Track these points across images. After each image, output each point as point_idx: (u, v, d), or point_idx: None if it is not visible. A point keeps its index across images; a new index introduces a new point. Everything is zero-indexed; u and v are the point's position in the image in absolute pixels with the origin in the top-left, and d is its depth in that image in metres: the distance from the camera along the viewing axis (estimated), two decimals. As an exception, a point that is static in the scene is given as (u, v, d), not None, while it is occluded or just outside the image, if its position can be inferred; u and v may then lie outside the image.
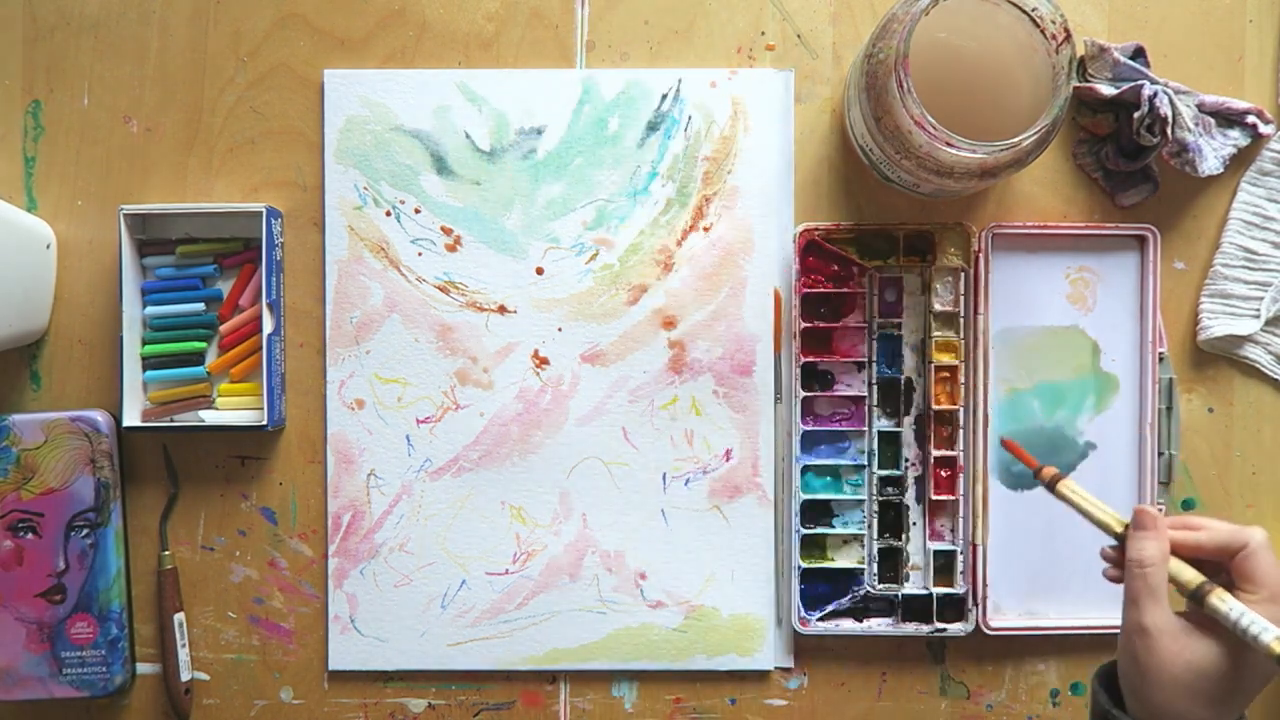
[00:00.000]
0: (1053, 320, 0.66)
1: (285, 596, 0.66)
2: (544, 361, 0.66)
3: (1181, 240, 0.66)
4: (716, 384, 0.65)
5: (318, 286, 0.66)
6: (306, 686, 0.66)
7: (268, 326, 0.64)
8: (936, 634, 0.65)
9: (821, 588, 0.65)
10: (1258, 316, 0.65)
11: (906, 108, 0.54)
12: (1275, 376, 0.66)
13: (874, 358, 0.65)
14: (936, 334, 0.64)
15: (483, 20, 0.66)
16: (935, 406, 0.65)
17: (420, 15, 0.66)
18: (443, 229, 0.65)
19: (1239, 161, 0.65)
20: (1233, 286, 0.65)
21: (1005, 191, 0.66)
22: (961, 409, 0.64)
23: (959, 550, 0.65)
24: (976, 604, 0.65)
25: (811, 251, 0.65)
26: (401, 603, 0.66)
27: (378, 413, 0.66)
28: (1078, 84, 0.63)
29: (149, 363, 0.65)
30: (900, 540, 0.65)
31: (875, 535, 0.65)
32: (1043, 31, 0.55)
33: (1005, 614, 0.66)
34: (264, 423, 0.63)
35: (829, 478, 0.66)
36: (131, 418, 0.63)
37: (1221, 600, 0.44)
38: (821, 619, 0.65)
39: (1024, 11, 0.55)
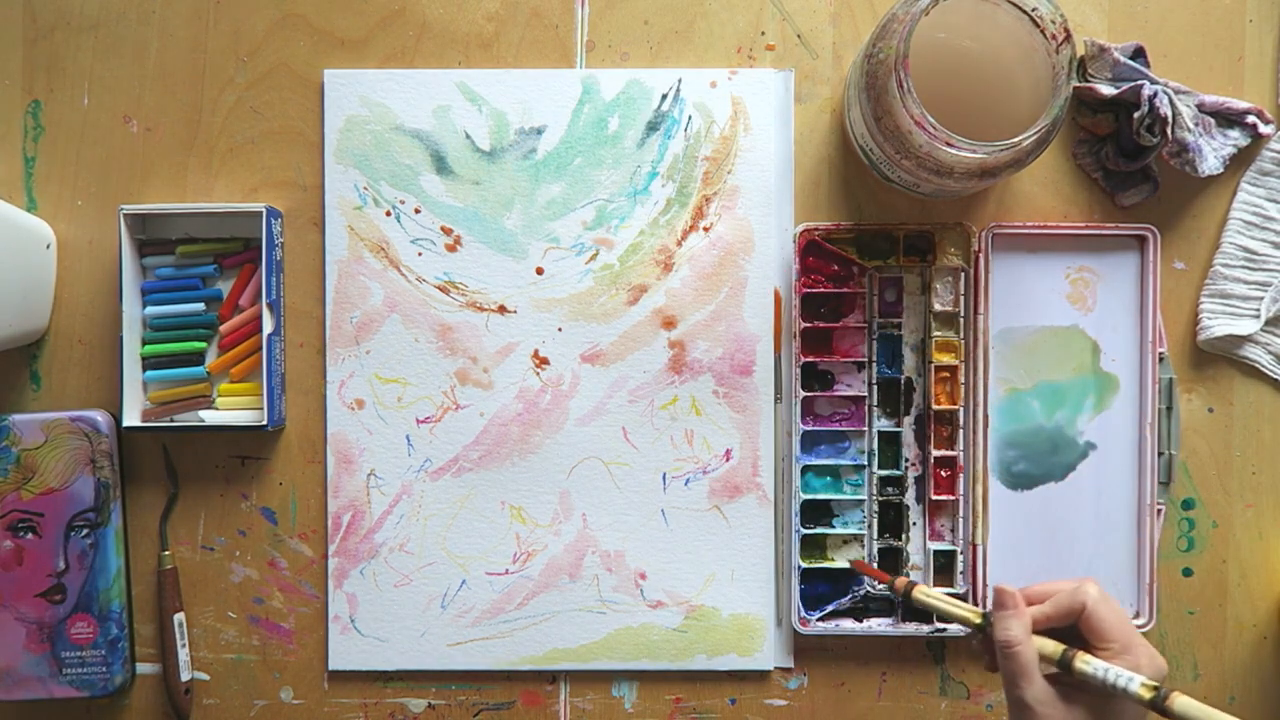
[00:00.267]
0: (1053, 320, 0.66)
1: (285, 596, 0.66)
2: (544, 361, 0.66)
3: (1181, 240, 0.66)
4: (716, 384, 0.65)
5: (318, 286, 0.66)
6: (306, 686, 0.66)
7: (268, 326, 0.64)
8: (936, 634, 0.65)
9: (821, 588, 0.65)
10: (1258, 316, 0.65)
11: (906, 108, 0.54)
12: (1275, 376, 0.66)
13: (874, 358, 0.65)
14: (936, 334, 0.64)
15: (483, 20, 0.66)
16: (935, 406, 0.65)
17: (420, 15, 0.66)
18: (443, 229, 0.65)
19: (1239, 161, 0.65)
20: (1233, 286, 0.65)
21: (1005, 191, 0.66)
22: (961, 409, 0.64)
23: (959, 550, 0.65)
24: (976, 604, 0.65)
25: (811, 251, 0.65)
26: (401, 603, 0.66)
27: (378, 413, 0.66)
28: (1078, 84, 0.63)
29: (149, 363, 0.65)
30: (900, 540, 0.65)
31: (875, 535, 0.65)
32: (1043, 31, 0.55)
33: (1005, 614, 0.66)
34: (264, 423, 0.63)
35: (829, 478, 0.66)
36: (131, 418, 0.63)
37: (1086, 663, 0.48)
38: (821, 619, 0.65)
39: (1024, 11, 0.55)
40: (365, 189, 0.65)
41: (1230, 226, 0.65)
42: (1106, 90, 0.63)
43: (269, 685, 0.66)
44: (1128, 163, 0.64)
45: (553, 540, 0.66)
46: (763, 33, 0.66)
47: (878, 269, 0.65)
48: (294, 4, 0.66)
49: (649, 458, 0.66)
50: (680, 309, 0.65)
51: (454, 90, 0.65)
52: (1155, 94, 0.61)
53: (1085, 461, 0.66)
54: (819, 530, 0.65)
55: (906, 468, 0.66)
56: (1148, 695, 0.45)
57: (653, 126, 0.65)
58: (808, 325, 0.64)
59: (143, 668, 0.66)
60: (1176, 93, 0.63)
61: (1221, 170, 0.63)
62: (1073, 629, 0.50)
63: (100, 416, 0.64)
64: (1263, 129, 0.64)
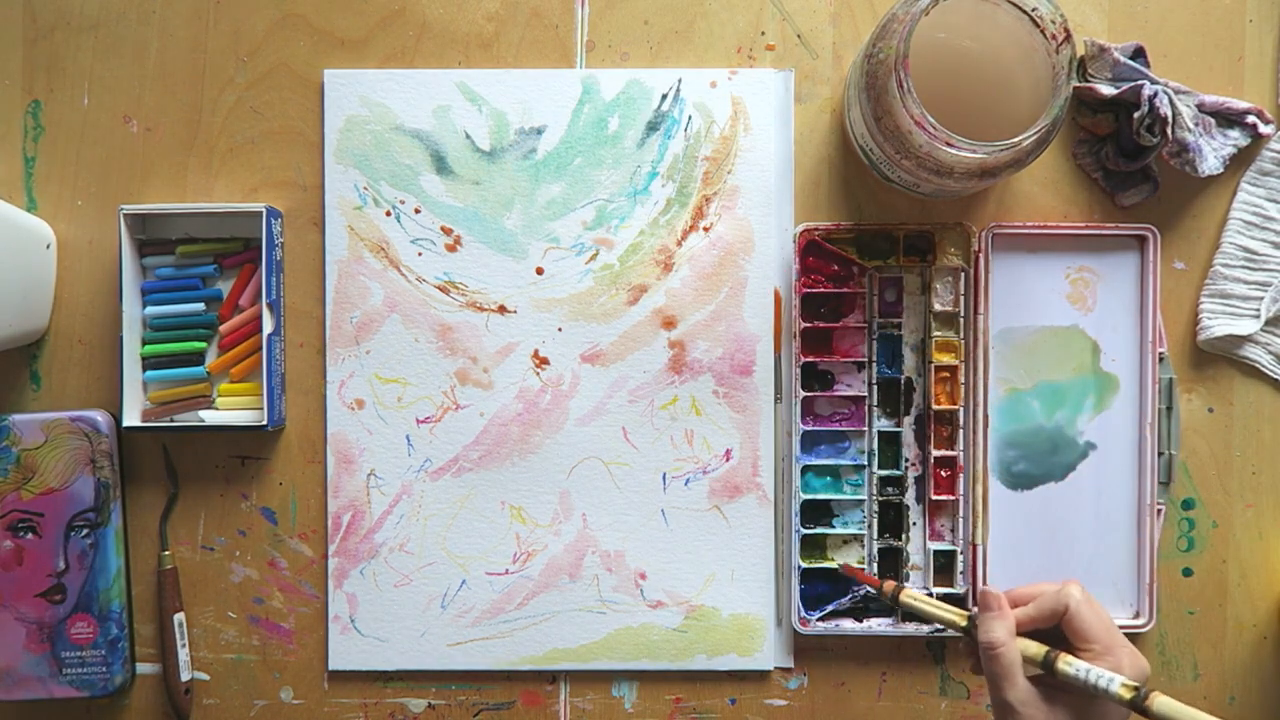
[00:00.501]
0: (1053, 320, 0.66)
1: (285, 596, 0.66)
2: (544, 361, 0.66)
3: (1181, 240, 0.66)
4: (716, 384, 0.65)
5: (318, 286, 0.66)
6: (306, 686, 0.66)
7: (268, 326, 0.64)
8: (936, 634, 0.65)
9: (821, 588, 0.65)
10: (1258, 316, 0.65)
11: (906, 108, 0.54)
12: (1275, 376, 0.66)
13: (874, 358, 0.65)
14: (936, 334, 0.64)
15: (483, 20, 0.66)
16: (935, 406, 0.65)
17: (420, 15, 0.66)
18: (443, 229, 0.65)
19: (1239, 161, 0.65)
20: (1233, 286, 0.65)
21: (1005, 191, 0.66)
22: (961, 409, 0.64)
23: (959, 550, 0.65)
24: (976, 604, 0.64)
25: (811, 251, 0.65)
26: (401, 603, 0.66)
27: (378, 413, 0.66)
28: (1078, 84, 0.63)
29: (149, 363, 0.65)
30: (900, 540, 0.65)
31: (875, 535, 0.65)
32: (1043, 31, 0.55)
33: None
34: (264, 423, 0.63)
35: (829, 478, 0.66)
36: (131, 418, 0.63)
37: (1068, 664, 0.48)
38: (821, 619, 0.65)
39: (1024, 11, 0.55)
40: (365, 189, 0.65)
41: (1230, 226, 0.65)
42: (1106, 90, 0.63)
43: (269, 685, 0.66)
44: (1128, 163, 0.64)
45: (553, 540, 0.66)
46: (763, 33, 0.66)
47: (878, 269, 0.65)
48: (294, 4, 0.66)
49: (649, 458, 0.66)
50: (680, 309, 0.65)
51: (454, 90, 0.65)
52: (1155, 94, 0.61)
53: (1085, 461, 0.66)
54: (819, 530, 0.65)
55: (906, 468, 0.66)
56: (1128, 695, 0.46)
57: (653, 126, 0.65)
58: (808, 325, 0.64)
59: (143, 668, 0.66)
60: (1176, 93, 0.63)
61: (1221, 170, 0.63)
62: (1057, 631, 0.50)
63: (100, 416, 0.64)
64: (1263, 129, 0.64)
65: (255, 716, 0.67)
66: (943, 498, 0.65)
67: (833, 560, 0.66)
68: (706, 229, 0.65)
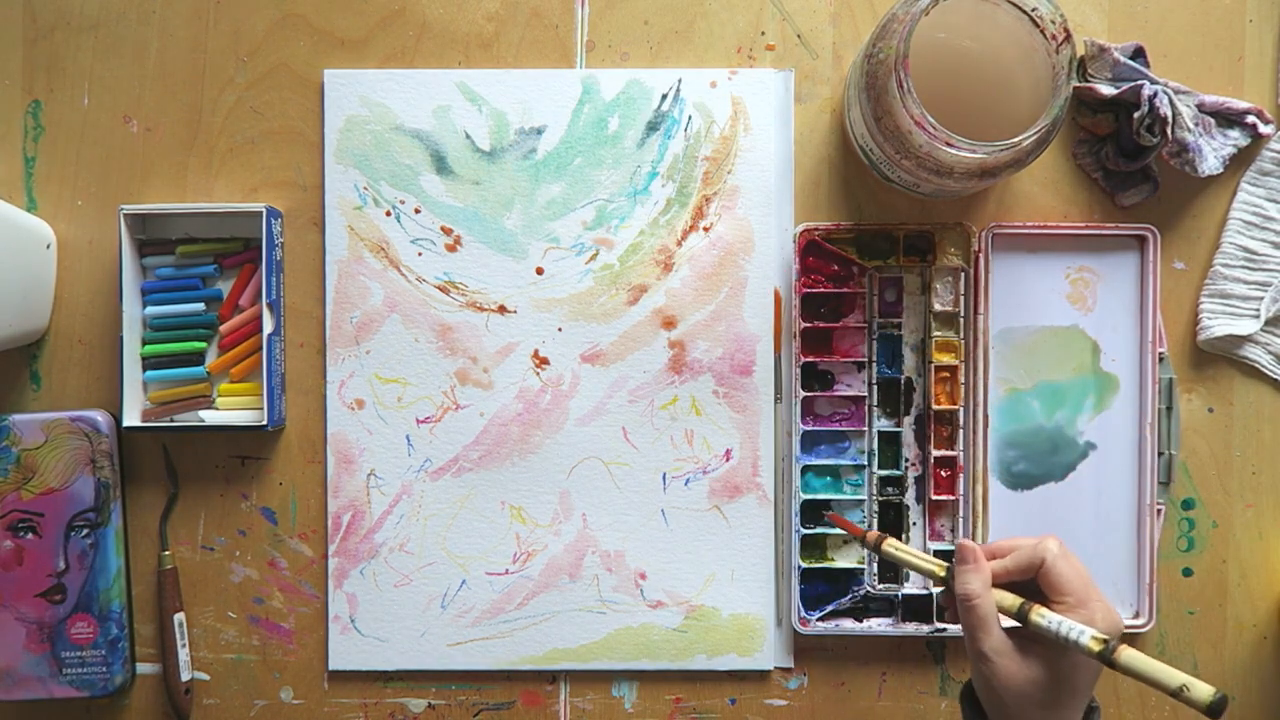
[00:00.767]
0: (1053, 320, 0.66)
1: (285, 596, 0.66)
2: (544, 361, 0.66)
3: (1181, 240, 0.66)
4: (716, 384, 0.65)
5: (318, 286, 0.66)
6: (306, 686, 0.66)
7: (268, 326, 0.64)
8: (936, 634, 0.65)
9: (821, 588, 0.65)
10: (1258, 316, 0.65)
11: (906, 108, 0.54)
12: (1275, 376, 0.66)
13: (874, 358, 0.65)
14: (936, 334, 0.64)
15: (483, 20, 0.66)
16: (935, 406, 0.65)
17: (420, 15, 0.66)
18: (443, 229, 0.65)
19: (1239, 161, 0.65)
20: (1233, 286, 0.65)
21: (1005, 191, 0.66)
22: (961, 409, 0.64)
23: (959, 550, 0.65)
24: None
25: (811, 251, 0.65)
26: (401, 603, 0.66)
27: (378, 413, 0.66)
28: (1078, 84, 0.63)
29: (149, 363, 0.65)
30: (900, 540, 0.65)
31: (875, 535, 0.65)
32: (1043, 31, 0.55)
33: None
34: (264, 423, 0.63)
35: (829, 478, 0.66)
36: (131, 418, 0.63)
37: (1041, 616, 0.49)
38: (821, 619, 0.65)
39: (1024, 11, 0.55)
40: (365, 189, 0.65)
41: (1230, 226, 0.65)
42: (1106, 90, 0.63)
43: (269, 685, 0.66)
44: (1128, 163, 0.64)
45: (553, 540, 0.66)
46: (763, 33, 0.66)
47: (878, 269, 0.65)
48: (294, 4, 0.66)
49: (649, 458, 0.66)
50: (680, 309, 0.65)
51: (454, 90, 0.65)
52: (1155, 94, 0.61)
53: (1085, 461, 0.66)
54: (819, 530, 0.65)
55: (906, 468, 0.66)
56: (1096, 648, 0.46)
57: (653, 126, 0.65)
58: (808, 325, 0.64)
59: (143, 668, 0.66)
60: (1176, 93, 0.63)
61: (1221, 170, 0.63)
62: (1035, 584, 0.51)
63: (100, 416, 0.64)
64: (1263, 129, 0.64)
65: (255, 716, 0.67)
66: (943, 498, 0.65)
67: (833, 560, 0.66)
68: (706, 229, 0.65)
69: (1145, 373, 0.65)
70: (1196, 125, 0.63)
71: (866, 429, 0.65)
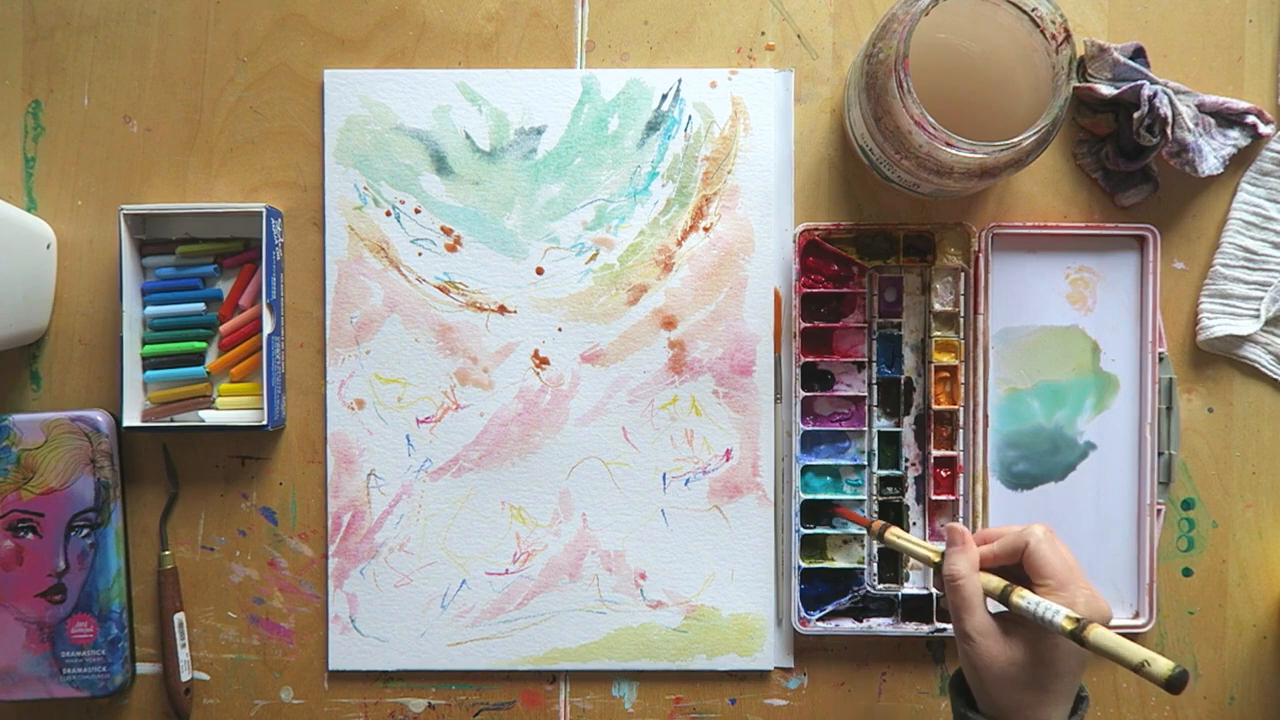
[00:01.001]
0: (1053, 320, 0.66)
1: (285, 596, 0.66)
2: (544, 361, 0.66)
3: (1181, 240, 0.66)
4: (716, 384, 0.65)
5: (318, 286, 0.66)
6: (306, 686, 0.67)
7: (268, 326, 0.64)
8: (936, 634, 0.65)
9: (821, 588, 0.65)
10: (1257, 316, 0.65)
11: (906, 108, 0.54)
12: (1275, 376, 0.66)
13: (874, 358, 0.65)
14: (936, 334, 0.64)
15: (483, 20, 0.66)
16: (935, 406, 0.65)
17: (420, 15, 0.66)
18: (443, 229, 0.65)
19: (1239, 161, 0.65)
20: (1233, 286, 0.65)
21: (1005, 191, 0.66)
22: (961, 409, 0.64)
23: (959, 550, 0.65)
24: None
25: (811, 251, 0.65)
26: (401, 603, 0.66)
27: (378, 413, 0.66)
28: (1078, 84, 0.63)
29: (149, 363, 0.65)
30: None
31: (875, 535, 0.65)
32: (1043, 31, 0.55)
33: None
34: (264, 423, 0.63)
35: (829, 478, 0.66)
36: (131, 418, 0.63)
37: (1021, 597, 0.50)
38: (821, 619, 0.65)
39: (1024, 11, 0.55)
40: (365, 189, 0.65)
41: (1230, 226, 0.65)
42: (1106, 90, 0.63)
43: (269, 685, 0.66)
44: (1128, 163, 0.64)
45: (553, 540, 0.66)
46: (763, 33, 0.66)
47: (878, 269, 0.65)
48: (294, 4, 0.66)
49: (649, 458, 0.66)
50: (680, 309, 0.65)
51: (454, 90, 0.65)
52: (1155, 94, 0.61)
53: (1085, 461, 0.66)
54: (819, 530, 0.65)
55: (906, 468, 0.66)
56: (1069, 626, 0.47)
57: (653, 126, 0.65)
58: (808, 325, 0.64)
59: (143, 668, 0.66)
60: (1176, 93, 0.63)
61: (1221, 170, 0.63)
62: (1023, 570, 0.52)
63: (100, 416, 0.64)
64: (1263, 129, 0.64)
65: (255, 716, 0.67)
66: (943, 498, 0.65)
67: (833, 560, 0.66)
68: (706, 229, 0.65)
69: (1145, 373, 0.65)
70: (1196, 125, 0.63)
71: (866, 429, 0.65)
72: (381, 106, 0.65)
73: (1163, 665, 0.43)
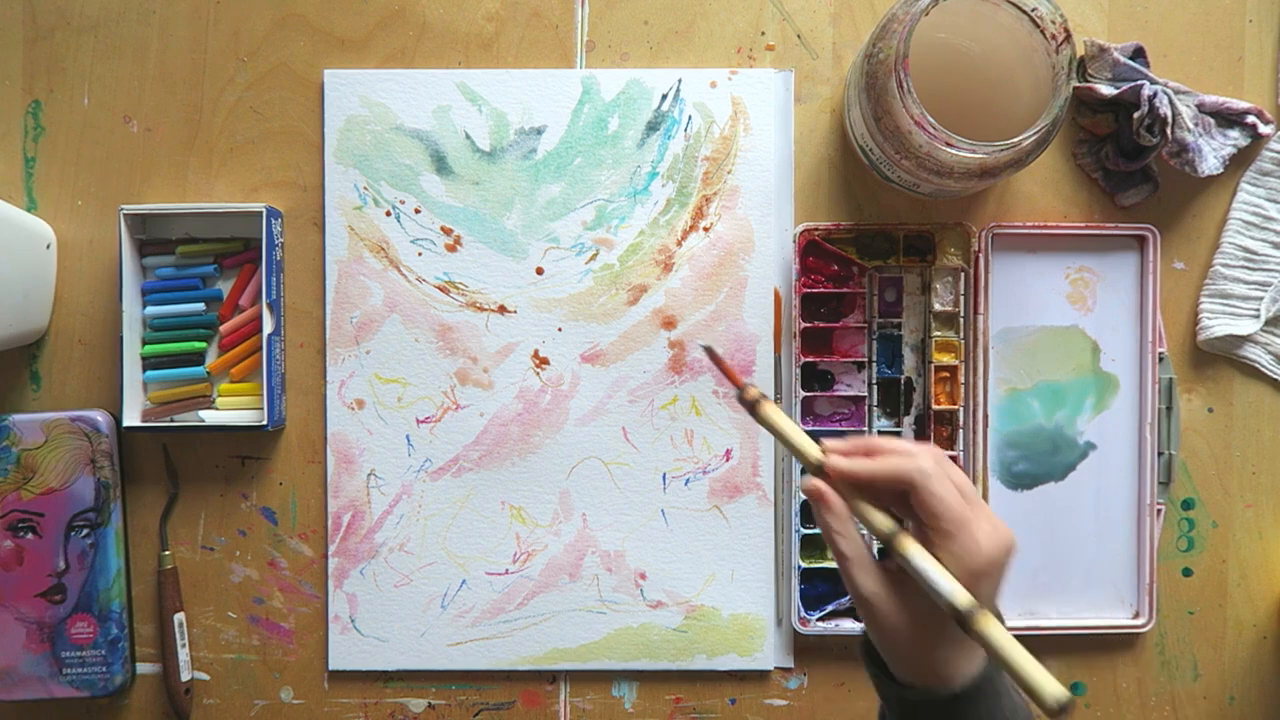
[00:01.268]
0: (1053, 320, 0.66)
1: (285, 596, 0.66)
2: (544, 361, 0.66)
3: (1181, 240, 0.66)
4: (717, 384, 0.65)
5: (318, 286, 0.66)
6: (306, 686, 0.66)
7: (268, 326, 0.64)
8: (936, 634, 0.65)
9: (821, 588, 0.65)
10: (1257, 316, 0.65)
11: (906, 108, 0.54)
12: (1275, 376, 0.66)
13: (874, 358, 0.65)
14: (936, 334, 0.64)
15: (483, 20, 0.66)
16: (935, 406, 0.65)
17: (420, 15, 0.66)
18: (443, 229, 0.65)
19: (1239, 161, 0.65)
20: (1233, 286, 0.65)
21: (1005, 191, 0.66)
22: (961, 409, 0.64)
23: (959, 550, 0.64)
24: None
25: (811, 251, 0.65)
26: (401, 603, 0.66)
27: (378, 413, 0.66)
28: (1078, 84, 0.63)
29: (149, 363, 0.65)
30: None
31: (875, 535, 0.65)
32: (1043, 31, 0.55)
33: (1005, 614, 0.65)
34: (264, 423, 0.63)
35: (829, 478, 0.66)
36: (131, 418, 0.63)
37: (909, 555, 0.41)
38: (821, 619, 0.65)
39: (1024, 11, 0.55)
40: (365, 189, 0.65)
41: (1230, 226, 0.65)
42: (1106, 90, 0.63)
43: (269, 685, 0.66)
44: (1128, 163, 0.64)
45: (553, 540, 0.66)
46: (763, 33, 0.66)
47: (878, 269, 0.65)
48: (294, 4, 0.66)
49: (649, 458, 0.66)
50: (680, 309, 0.65)
51: (454, 90, 0.65)
52: (1155, 94, 0.61)
53: (1085, 461, 0.66)
54: (819, 530, 0.65)
55: (906, 468, 0.65)
56: (957, 610, 0.40)
57: (653, 126, 0.65)
58: (808, 325, 0.64)
59: (143, 668, 0.66)
60: (1176, 93, 0.63)
61: (1221, 170, 0.63)
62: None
63: (100, 416, 0.64)
64: (1262, 129, 0.64)
65: (255, 716, 0.67)
66: (943, 498, 0.64)
67: (833, 560, 0.65)
68: (706, 229, 0.65)
69: (1145, 373, 0.65)
70: (1196, 125, 0.63)
71: (866, 429, 0.65)
72: (381, 106, 0.65)
73: (1050, 691, 0.37)
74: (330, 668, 0.66)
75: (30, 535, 0.63)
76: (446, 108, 0.65)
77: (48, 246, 0.65)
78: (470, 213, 0.66)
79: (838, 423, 0.66)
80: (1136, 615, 0.66)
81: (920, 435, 0.65)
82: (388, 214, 0.65)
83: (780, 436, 0.45)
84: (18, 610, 0.63)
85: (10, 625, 0.63)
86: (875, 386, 0.65)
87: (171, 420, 0.65)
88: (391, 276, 0.66)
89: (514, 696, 0.67)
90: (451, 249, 0.66)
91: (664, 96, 0.65)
